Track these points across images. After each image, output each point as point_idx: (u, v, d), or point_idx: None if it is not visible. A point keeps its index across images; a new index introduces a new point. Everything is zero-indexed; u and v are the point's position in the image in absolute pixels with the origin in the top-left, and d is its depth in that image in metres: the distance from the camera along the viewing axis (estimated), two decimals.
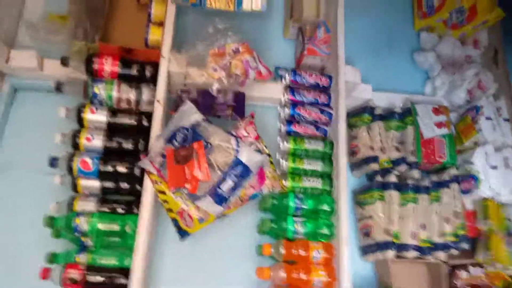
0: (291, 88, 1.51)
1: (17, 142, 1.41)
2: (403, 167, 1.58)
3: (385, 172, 1.58)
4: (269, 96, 1.54)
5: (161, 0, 1.53)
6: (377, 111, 1.62)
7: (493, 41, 1.85)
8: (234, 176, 1.22)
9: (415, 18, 1.89)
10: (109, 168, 1.26)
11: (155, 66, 1.38)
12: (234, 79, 1.41)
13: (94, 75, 1.35)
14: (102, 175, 1.26)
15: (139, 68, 1.37)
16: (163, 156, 1.23)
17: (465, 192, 1.60)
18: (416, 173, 1.58)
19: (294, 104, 1.48)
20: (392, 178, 1.55)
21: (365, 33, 1.82)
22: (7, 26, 1.46)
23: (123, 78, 1.36)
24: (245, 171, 1.23)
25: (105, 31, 1.47)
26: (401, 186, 1.54)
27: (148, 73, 1.38)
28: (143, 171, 1.26)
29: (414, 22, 1.90)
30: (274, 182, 1.34)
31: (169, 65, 1.38)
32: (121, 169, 1.27)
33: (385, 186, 1.53)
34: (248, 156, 1.24)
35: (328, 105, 1.51)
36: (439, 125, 1.62)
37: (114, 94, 1.32)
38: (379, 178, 1.57)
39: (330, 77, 1.53)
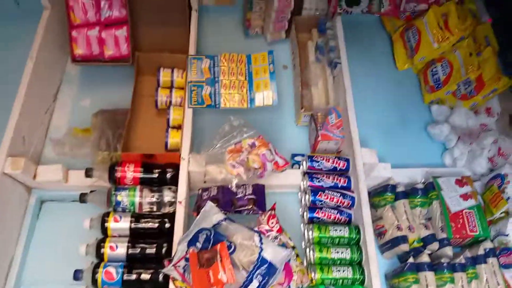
0: (310, 174, 1.52)
1: (42, 254, 1.43)
2: (434, 245, 1.51)
3: (416, 251, 1.51)
4: (288, 183, 1.55)
5: (178, 105, 1.63)
6: (400, 189, 1.59)
7: (506, 107, 1.85)
8: (260, 276, 1.18)
9: (424, 92, 1.93)
10: (133, 277, 1.25)
11: (176, 168, 1.43)
12: (253, 173, 1.43)
13: (117, 183, 1.41)
14: (126, 284, 1.25)
15: (160, 172, 1.42)
16: (186, 259, 1.22)
17: (505, 266, 1.50)
18: (448, 250, 1.50)
19: (315, 191, 1.48)
20: (425, 258, 1.47)
21: (377, 112, 1.85)
22: (35, 145, 1.57)
23: (145, 183, 1.41)
24: (271, 269, 1.19)
25: (126, 138, 1.55)
26: (435, 266, 1.46)
27: (168, 175, 1.42)
28: (167, 276, 1.24)
29: (424, 96, 1.94)
30: (302, 277, 1.29)
31: (188, 166, 1.42)
32: (145, 276, 1.25)
33: (418, 268, 1.45)
34: (272, 253, 1.21)
35: (349, 188, 1.50)
36: (465, 197, 1.57)
37: (137, 200, 1.36)
38: (411, 259, 1.50)
39: (347, 160, 1.53)
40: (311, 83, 1.72)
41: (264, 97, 1.61)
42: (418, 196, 1.58)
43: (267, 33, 1.90)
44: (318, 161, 1.53)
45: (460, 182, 1.61)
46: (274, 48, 1.84)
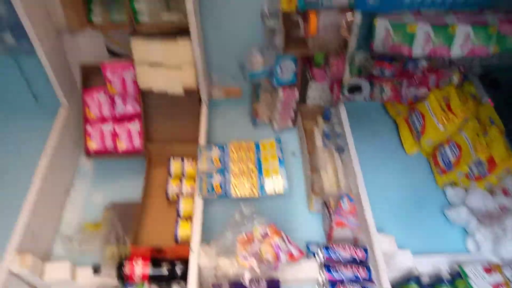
0: (327, 266, 1.43)
1: None
2: None
3: None
4: (304, 276, 1.46)
5: (188, 196, 1.61)
6: (424, 280, 1.49)
7: None
8: None
9: (436, 174, 1.91)
10: None
11: (185, 262, 1.37)
12: (266, 266, 1.35)
13: (125, 280, 1.35)
14: None
15: (170, 267, 1.37)
16: None
17: None
18: None
19: (333, 284, 1.38)
20: None
21: (390, 196, 1.81)
22: (45, 240, 1.53)
23: (154, 279, 1.35)
24: None
25: (136, 232, 1.52)
26: None
27: (178, 270, 1.37)
28: None
29: (436, 178, 1.91)
30: None
31: (199, 259, 1.36)
32: None
33: None
34: None
35: (370, 280, 1.40)
36: (497, 286, 1.45)
37: None
38: None
39: (365, 249, 1.46)
40: (320, 168, 1.72)
41: (275, 184, 1.60)
42: (445, 286, 1.47)
43: (274, 122, 1.95)
44: (335, 251, 1.46)
45: (489, 269, 1.51)
46: (282, 136, 1.89)
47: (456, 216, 1.76)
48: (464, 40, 1.54)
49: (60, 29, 1.64)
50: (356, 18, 1.51)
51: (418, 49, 1.56)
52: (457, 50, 1.57)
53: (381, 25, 1.53)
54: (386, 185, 1.84)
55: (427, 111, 1.86)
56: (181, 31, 1.53)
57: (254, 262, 1.34)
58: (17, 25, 1.45)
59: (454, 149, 1.82)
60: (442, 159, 1.87)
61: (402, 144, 1.99)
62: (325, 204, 1.62)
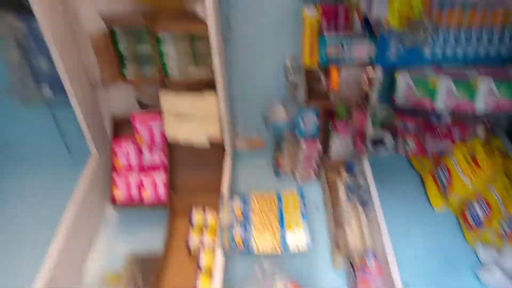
0: None
1: None
2: None
3: None
4: None
5: (209, 248, 1.59)
6: None
7: None
8: None
9: (465, 231, 1.83)
10: None
11: None
12: None
13: None
14: None
15: None
16: None
17: None
18: None
19: None
20: None
21: (417, 253, 1.73)
22: None
23: None
24: None
25: (157, 285, 1.50)
26: None
27: None
28: None
29: (466, 236, 1.83)
30: None
31: None
32: None
33: None
34: None
35: None
36: None
37: None
38: None
39: None
40: (344, 222, 1.68)
41: (297, 239, 1.57)
42: None
43: (297, 174, 1.95)
44: None
45: None
46: (304, 188, 1.87)
47: (489, 277, 1.66)
48: (487, 95, 1.55)
49: (95, 82, 1.75)
50: (377, 73, 1.55)
51: (441, 103, 1.57)
52: (480, 105, 1.57)
53: (403, 80, 1.57)
54: (413, 242, 1.77)
55: (453, 165, 1.82)
56: (208, 85, 1.61)
57: None
58: (55, 78, 1.56)
59: (483, 205, 1.76)
60: (471, 216, 1.80)
61: (428, 199, 1.93)
62: (350, 262, 1.57)
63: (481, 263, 1.74)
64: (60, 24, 1.52)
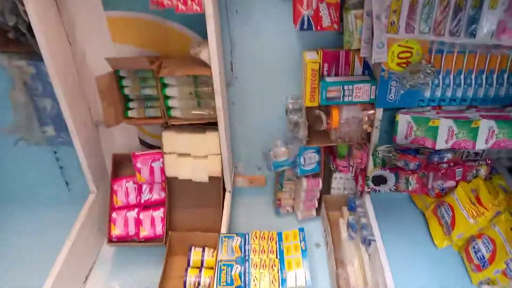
0: None
1: None
2: None
3: None
4: None
5: (207, 287, 1.56)
6: None
7: None
8: None
9: (470, 271, 1.79)
10: None
11: None
12: None
13: None
14: None
15: None
16: None
17: None
18: None
19: None
20: None
21: None
22: None
23: None
24: None
25: None
26: None
27: None
28: None
29: (471, 276, 1.79)
30: None
31: None
32: None
33: None
34: None
35: None
36: None
37: None
38: None
39: None
40: (346, 261, 1.66)
41: (297, 277, 1.54)
42: None
43: (298, 211, 1.94)
44: None
45: None
46: (305, 226, 1.85)
47: None
48: (488, 134, 1.56)
49: (98, 122, 1.77)
50: (378, 113, 1.56)
51: (442, 142, 1.58)
52: (482, 144, 1.58)
53: (403, 120, 1.58)
54: (416, 281, 1.74)
55: (456, 204, 1.81)
56: (210, 123, 1.62)
57: None
58: (59, 118, 1.58)
59: (487, 244, 1.73)
60: (476, 255, 1.77)
61: (431, 237, 1.91)
62: None
63: None
64: (67, 68, 1.56)
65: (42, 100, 1.69)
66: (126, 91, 1.59)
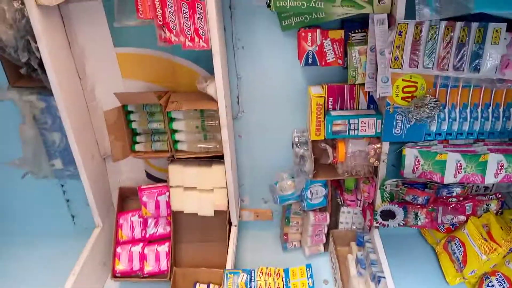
0: None
1: None
2: None
3: None
4: None
5: None
6: None
7: None
8: None
9: None
10: None
11: None
12: None
13: None
14: None
15: None
16: None
17: None
18: None
19: None
20: None
21: None
22: None
23: None
24: None
25: None
26: None
27: None
28: None
29: None
30: None
31: None
32: None
33: None
34: None
35: None
36: None
37: None
38: None
39: None
40: None
41: None
42: None
43: (305, 246, 1.90)
44: None
45: None
46: (313, 261, 1.81)
47: None
48: (497, 168, 1.54)
49: (106, 155, 1.78)
50: (384, 147, 1.55)
51: (450, 176, 1.56)
52: (491, 178, 1.56)
53: (410, 154, 1.57)
54: None
55: (467, 239, 1.76)
56: (216, 156, 1.62)
57: None
58: (66, 151, 1.59)
59: (502, 282, 1.67)
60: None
61: (443, 274, 1.85)
62: None
63: None
64: (76, 103, 1.59)
65: (51, 134, 1.71)
66: (134, 125, 1.61)
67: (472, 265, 1.74)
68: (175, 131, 1.59)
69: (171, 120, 1.57)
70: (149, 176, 1.89)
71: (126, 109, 1.60)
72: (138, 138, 1.64)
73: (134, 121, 1.61)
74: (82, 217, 1.98)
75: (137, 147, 1.62)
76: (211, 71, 1.45)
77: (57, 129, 1.69)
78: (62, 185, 1.92)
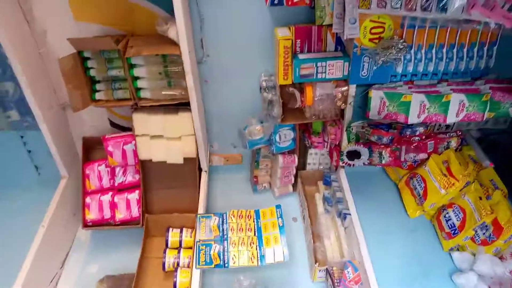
0: None
1: None
2: None
3: None
4: None
5: (186, 267, 1.57)
6: None
7: None
8: None
9: (441, 239, 1.86)
10: None
11: None
12: None
13: None
14: None
15: None
16: None
17: None
18: None
19: None
20: None
21: (395, 262, 1.76)
22: None
23: None
24: None
25: None
26: None
27: None
28: None
29: (442, 243, 1.86)
30: None
31: None
32: None
33: None
34: None
35: None
36: None
37: None
38: None
39: None
40: (323, 235, 1.69)
41: (275, 253, 1.56)
42: None
43: (275, 188, 1.95)
44: None
45: None
46: (282, 201, 1.87)
47: (464, 282, 1.69)
48: (459, 108, 1.58)
49: (65, 105, 1.70)
50: (351, 90, 1.55)
51: (414, 117, 1.59)
52: (452, 117, 1.60)
53: (376, 96, 1.58)
54: (391, 251, 1.79)
55: (428, 175, 1.85)
56: (182, 104, 1.58)
57: None
58: (22, 100, 1.51)
59: (458, 213, 1.79)
60: (447, 223, 1.83)
61: (405, 208, 1.96)
62: (329, 274, 1.57)
63: (457, 269, 1.78)
64: (26, 50, 1.48)
65: (2, 84, 1.60)
66: (92, 73, 1.52)
67: (432, 199, 1.85)
68: (137, 78, 1.52)
69: (132, 66, 1.49)
70: (113, 124, 1.83)
71: (83, 56, 1.50)
72: (98, 86, 1.56)
73: (92, 68, 1.52)
74: (47, 168, 1.92)
75: (98, 96, 1.55)
76: (171, 12, 1.35)
77: (9, 78, 1.58)
78: (22, 137, 1.84)
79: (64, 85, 1.48)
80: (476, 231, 1.76)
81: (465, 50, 1.53)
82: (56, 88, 1.65)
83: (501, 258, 1.75)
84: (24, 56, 1.44)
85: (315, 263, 1.60)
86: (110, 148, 1.68)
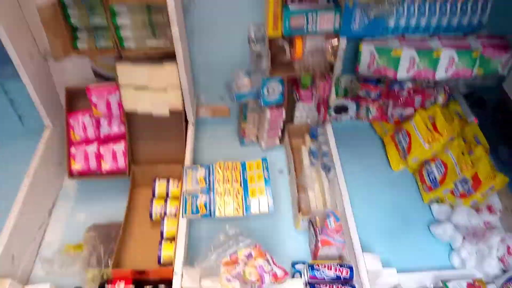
0: (312, 285, 1.44)
1: None
2: None
3: None
4: None
5: (173, 216, 1.61)
6: None
7: (508, 205, 1.83)
8: None
9: (422, 191, 1.92)
10: None
11: (169, 284, 1.36)
12: (250, 287, 1.36)
13: None
14: None
15: None
16: None
17: None
18: None
19: None
20: None
21: (376, 214, 1.82)
22: (25, 263, 1.51)
23: None
24: None
25: (118, 254, 1.51)
26: None
27: None
28: None
29: (422, 195, 1.92)
30: None
31: (182, 281, 1.36)
32: None
33: None
34: None
35: None
36: None
37: None
38: None
39: (350, 267, 1.47)
40: (307, 186, 1.72)
41: (260, 203, 1.60)
42: None
43: (262, 141, 1.96)
44: (320, 270, 1.46)
45: (472, 285, 1.52)
46: (269, 154, 1.88)
47: (441, 232, 1.77)
48: (448, 64, 1.56)
49: (46, 53, 1.64)
50: (341, 43, 1.51)
51: (403, 72, 1.58)
52: (441, 73, 1.59)
53: (366, 50, 1.55)
54: (373, 203, 1.85)
55: (413, 130, 1.87)
56: (167, 55, 1.53)
57: (237, 284, 1.34)
58: (1, 49, 1.44)
59: (440, 167, 1.84)
60: (428, 176, 1.88)
61: (388, 161, 2.00)
62: (311, 223, 1.63)
63: (435, 220, 1.85)
64: None
65: None
66: (73, 21, 1.46)
67: (415, 153, 1.88)
68: (120, 26, 1.46)
69: (114, 14, 1.42)
70: (97, 74, 1.78)
71: (63, 2, 1.42)
72: (79, 35, 1.50)
73: (72, 16, 1.45)
74: (30, 117, 1.89)
75: (79, 44, 1.49)
76: None
77: None
78: (2, 85, 1.79)
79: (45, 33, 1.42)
80: (456, 185, 1.81)
81: (459, 4, 1.49)
82: (36, 37, 1.58)
83: (477, 210, 1.82)
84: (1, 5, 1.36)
85: (299, 212, 1.65)
86: (94, 99, 1.65)
